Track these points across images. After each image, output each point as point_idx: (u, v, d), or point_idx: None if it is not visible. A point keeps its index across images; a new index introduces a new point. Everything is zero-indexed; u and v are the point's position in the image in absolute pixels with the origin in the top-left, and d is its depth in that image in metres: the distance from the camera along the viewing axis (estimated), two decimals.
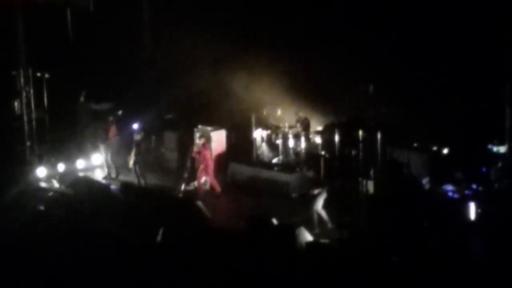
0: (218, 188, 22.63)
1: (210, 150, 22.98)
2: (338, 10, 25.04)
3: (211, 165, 22.60)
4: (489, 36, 21.05)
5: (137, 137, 23.24)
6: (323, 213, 18.71)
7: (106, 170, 24.68)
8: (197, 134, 24.72)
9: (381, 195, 17.46)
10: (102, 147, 24.59)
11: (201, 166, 22.46)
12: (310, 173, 19.02)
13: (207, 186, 23.10)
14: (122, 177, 24.04)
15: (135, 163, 22.89)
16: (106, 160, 24.51)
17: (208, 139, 23.49)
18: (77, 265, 16.09)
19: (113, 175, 24.37)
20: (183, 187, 22.55)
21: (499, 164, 19.13)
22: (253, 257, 15.83)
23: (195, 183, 23.02)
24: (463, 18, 22.21)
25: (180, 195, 22.20)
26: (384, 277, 14.82)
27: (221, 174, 23.99)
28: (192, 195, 22.13)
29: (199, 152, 22.45)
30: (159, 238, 17.08)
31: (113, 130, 24.48)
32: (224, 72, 26.46)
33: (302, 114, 24.91)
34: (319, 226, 18.60)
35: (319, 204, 18.68)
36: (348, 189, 17.20)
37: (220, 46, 26.88)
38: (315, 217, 18.64)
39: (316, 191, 18.73)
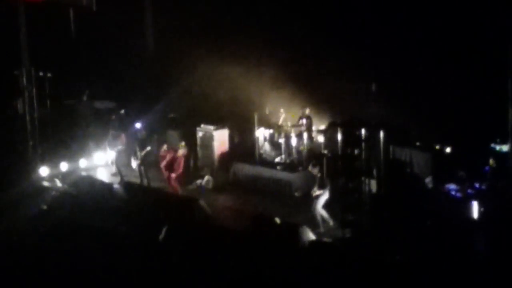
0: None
1: (173, 158, 22.17)
2: (341, 8, 25.03)
3: (173, 176, 22.04)
4: (492, 35, 21.02)
5: (140, 136, 23.21)
6: (324, 212, 18.76)
7: (114, 170, 24.54)
8: (200, 134, 24.76)
9: (384, 194, 17.46)
10: (111, 152, 24.44)
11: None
12: (315, 170, 19.03)
13: (210, 185, 23.11)
14: (125, 177, 23.97)
15: (139, 163, 22.79)
16: (117, 166, 24.29)
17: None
18: (80, 263, 16.11)
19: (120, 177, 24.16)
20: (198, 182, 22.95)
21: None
22: (256, 256, 15.84)
23: (198, 181, 23.10)
24: (466, 16, 22.19)
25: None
26: (387, 276, 14.83)
27: (224, 173, 24.02)
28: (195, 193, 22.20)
29: (164, 156, 22.33)
30: (162, 236, 17.09)
31: (122, 137, 24.30)
32: (227, 71, 26.45)
33: (307, 111, 24.76)
34: (322, 225, 18.63)
35: (320, 204, 18.72)
36: (350, 188, 17.17)
37: (222, 45, 26.89)
38: (318, 216, 18.68)
39: (318, 191, 18.79)
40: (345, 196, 17.11)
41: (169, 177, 22.08)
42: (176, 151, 22.18)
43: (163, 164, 22.28)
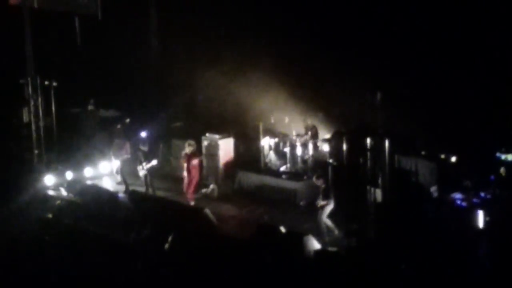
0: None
1: (191, 161, 22.32)
2: (345, 16, 25.07)
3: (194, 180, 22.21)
4: (497, 44, 21.03)
5: (145, 146, 23.16)
6: (329, 222, 18.73)
7: (119, 178, 24.49)
8: (205, 142, 24.72)
9: (389, 203, 17.43)
10: (116, 161, 24.42)
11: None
12: (319, 182, 18.99)
13: (215, 193, 23.12)
14: (130, 186, 23.93)
15: (145, 174, 22.70)
16: (122, 175, 24.23)
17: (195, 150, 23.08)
18: (85, 272, 16.10)
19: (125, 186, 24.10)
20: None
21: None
22: (261, 265, 15.81)
23: (203, 190, 23.11)
24: (471, 26, 22.21)
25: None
26: (392, 285, 14.79)
27: (229, 182, 24.01)
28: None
29: (187, 161, 22.25)
30: (167, 245, 17.08)
31: (127, 147, 24.25)
32: (232, 80, 26.49)
33: (310, 122, 24.86)
34: (327, 234, 18.59)
35: (325, 213, 18.70)
36: (355, 197, 17.15)
37: (228, 54, 26.94)
38: (323, 225, 18.65)
39: (323, 202, 18.75)
40: (350, 205, 17.09)
41: (189, 183, 21.99)
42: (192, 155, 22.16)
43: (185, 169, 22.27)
